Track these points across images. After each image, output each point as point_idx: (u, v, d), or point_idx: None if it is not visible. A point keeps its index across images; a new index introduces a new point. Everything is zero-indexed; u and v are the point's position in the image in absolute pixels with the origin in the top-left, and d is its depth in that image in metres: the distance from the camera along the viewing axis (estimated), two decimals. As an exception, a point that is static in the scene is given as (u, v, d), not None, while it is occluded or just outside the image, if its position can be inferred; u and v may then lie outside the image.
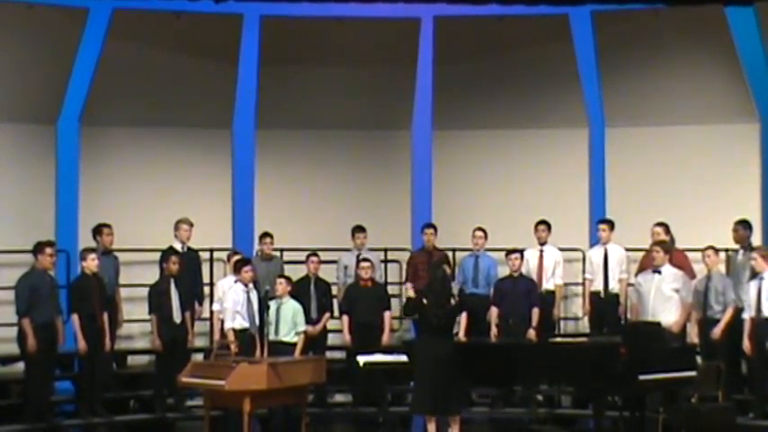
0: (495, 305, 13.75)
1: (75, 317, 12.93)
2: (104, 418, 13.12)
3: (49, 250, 12.81)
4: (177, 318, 13.44)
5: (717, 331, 12.90)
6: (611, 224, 14.11)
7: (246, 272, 12.90)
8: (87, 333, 12.87)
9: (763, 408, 12.79)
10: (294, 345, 13.04)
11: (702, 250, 13.20)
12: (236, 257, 13.41)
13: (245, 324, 12.86)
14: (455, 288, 13.67)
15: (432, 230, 14.43)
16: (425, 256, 14.37)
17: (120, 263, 13.95)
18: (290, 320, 13.06)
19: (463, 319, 13.52)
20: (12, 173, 14.37)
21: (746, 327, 12.69)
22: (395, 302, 14.28)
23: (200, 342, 14.18)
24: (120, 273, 13.95)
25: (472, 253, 14.31)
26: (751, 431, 12.61)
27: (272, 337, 12.89)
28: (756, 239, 13.94)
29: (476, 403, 14.05)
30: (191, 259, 14.02)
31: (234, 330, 12.78)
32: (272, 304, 12.97)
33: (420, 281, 14.17)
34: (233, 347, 12.58)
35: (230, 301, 12.85)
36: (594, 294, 14.06)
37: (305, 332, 13.16)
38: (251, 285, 12.98)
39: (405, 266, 14.74)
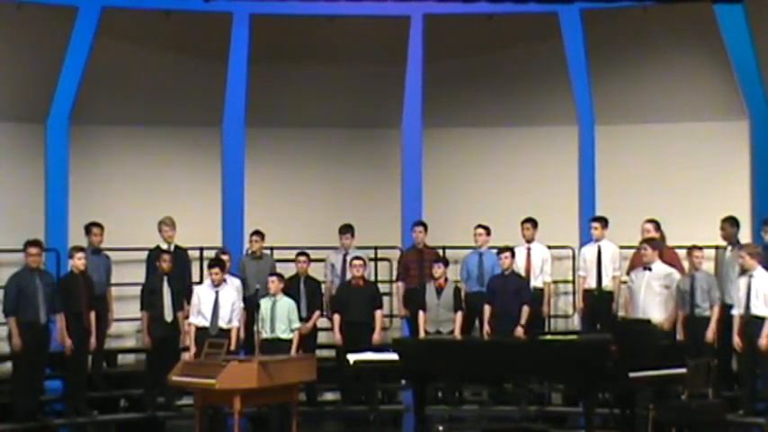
0: (488, 303, 13.74)
1: (60, 315, 12.89)
2: (88, 416, 13.09)
3: (32, 250, 12.74)
4: (169, 316, 13.40)
5: (709, 334, 12.90)
6: (603, 221, 14.09)
7: (216, 273, 12.98)
8: (73, 331, 12.84)
9: (753, 404, 12.80)
10: (290, 341, 13.10)
11: (689, 248, 13.20)
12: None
13: (205, 323, 12.93)
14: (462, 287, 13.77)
15: (421, 228, 14.39)
16: (416, 254, 14.36)
17: (111, 262, 13.92)
18: (285, 318, 13.11)
19: (458, 317, 13.55)
20: (1, 171, 14.33)
21: (736, 324, 12.69)
22: (385, 301, 14.27)
23: (188, 340, 14.13)
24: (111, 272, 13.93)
25: (476, 251, 14.22)
26: (741, 428, 12.64)
27: (268, 334, 12.99)
28: (746, 236, 13.95)
29: (466, 401, 14.06)
30: (179, 258, 13.98)
31: (197, 327, 12.92)
32: (267, 302, 13.06)
33: (410, 279, 14.18)
34: (188, 342, 12.87)
35: (196, 297, 13.00)
36: (588, 292, 14.06)
37: (298, 329, 13.19)
38: (225, 284, 13.03)
39: (395, 264, 14.74)
